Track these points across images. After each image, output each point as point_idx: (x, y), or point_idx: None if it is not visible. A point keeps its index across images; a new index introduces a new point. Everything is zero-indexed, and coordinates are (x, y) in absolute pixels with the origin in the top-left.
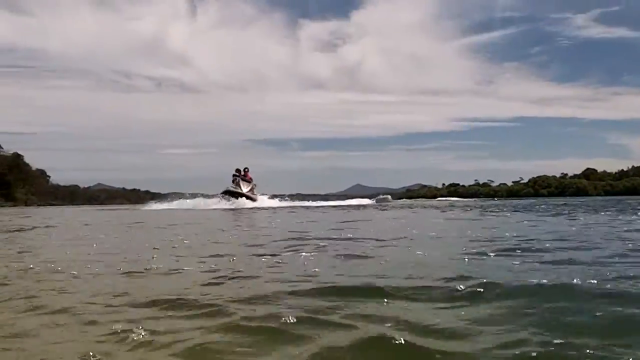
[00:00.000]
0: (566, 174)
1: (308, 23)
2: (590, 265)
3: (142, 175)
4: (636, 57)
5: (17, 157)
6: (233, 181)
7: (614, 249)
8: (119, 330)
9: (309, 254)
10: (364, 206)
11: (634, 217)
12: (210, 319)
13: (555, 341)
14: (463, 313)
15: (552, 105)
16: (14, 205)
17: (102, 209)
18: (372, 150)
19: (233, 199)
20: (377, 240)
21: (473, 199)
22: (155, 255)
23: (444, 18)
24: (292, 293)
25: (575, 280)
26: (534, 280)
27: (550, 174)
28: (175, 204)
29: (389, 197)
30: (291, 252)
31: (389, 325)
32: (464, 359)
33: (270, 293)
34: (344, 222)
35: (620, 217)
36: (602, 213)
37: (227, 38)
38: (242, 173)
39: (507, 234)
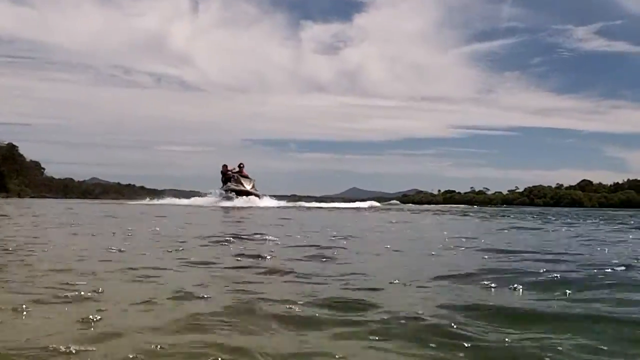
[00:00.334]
0: (562, 185)
1: (310, 24)
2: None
3: (138, 171)
4: (636, 72)
5: (12, 147)
6: (229, 178)
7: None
8: None
9: None
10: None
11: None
12: None
13: None
14: None
15: (551, 116)
16: (7, 197)
17: (102, 203)
18: (370, 154)
19: (241, 198)
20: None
21: (455, 205)
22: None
23: (447, 27)
24: None
25: None
26: None
27: (546, 184)
28: (187, 202)
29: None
30: None
31: None
32: None
33: None
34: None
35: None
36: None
37: (229, 38)
38: (237, 169)
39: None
